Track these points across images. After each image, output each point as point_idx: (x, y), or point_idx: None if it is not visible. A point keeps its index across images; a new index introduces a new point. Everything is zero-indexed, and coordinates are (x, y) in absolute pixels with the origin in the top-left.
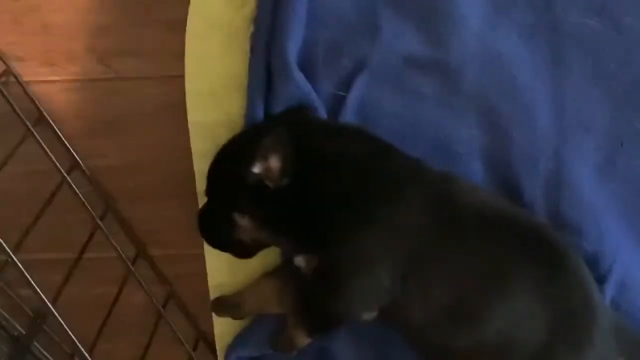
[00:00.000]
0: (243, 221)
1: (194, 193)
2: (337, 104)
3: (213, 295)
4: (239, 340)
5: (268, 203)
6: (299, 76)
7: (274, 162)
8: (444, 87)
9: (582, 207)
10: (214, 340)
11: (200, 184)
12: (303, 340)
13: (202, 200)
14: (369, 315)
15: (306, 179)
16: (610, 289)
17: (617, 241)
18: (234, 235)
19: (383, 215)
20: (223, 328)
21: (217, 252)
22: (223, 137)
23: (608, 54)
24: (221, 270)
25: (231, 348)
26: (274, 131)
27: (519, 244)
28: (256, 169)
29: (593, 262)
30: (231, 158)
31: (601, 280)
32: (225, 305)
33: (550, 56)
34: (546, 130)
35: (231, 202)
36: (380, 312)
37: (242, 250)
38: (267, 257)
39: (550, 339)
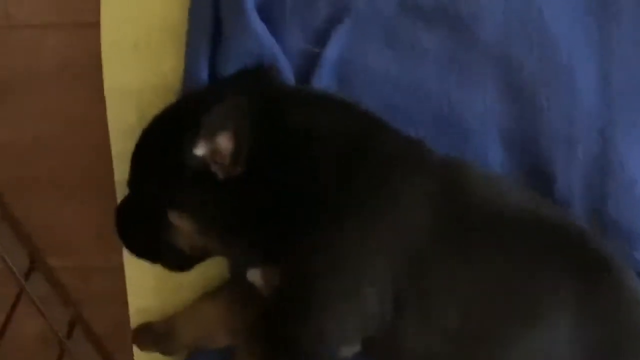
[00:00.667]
0: (180, 221)
1: (111, 184)
2: (308, 63)
3: (135, 322)
4: None
5: (215, 197)
6: (259, 25)
7: (224, 143)
8: (453, 40)
9: (633, 207)
10: None
11: (120, 171)
12: None
13: (121, 193)
14: (349, 350)
15: (267, 166)
16: None
17: None
18: (167, 239)
19: (371, 215)
20: None
21: (141, 263)
22: (152, 107)
23: None
24: (146, 288)
25: None
26: (224, 100)
27: (550, 252)
28: (199, 150)
29: None
30: (165, 136)
31: None
32: (152, 335)
33: (596, 3)
34: (589, 103)
35: (164, 196)
36: (365, 344)
37: (177, 261)
38: (210, 271)
39: None
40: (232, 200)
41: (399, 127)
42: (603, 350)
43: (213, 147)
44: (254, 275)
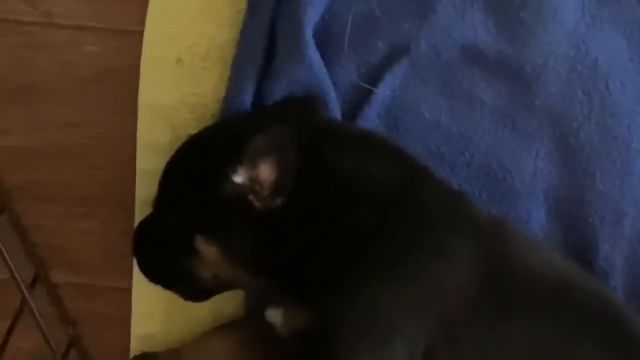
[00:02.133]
0: (207, 248)
1: (130, 202)
2: (358, 100)
3: (135, 349)
4: None
5: (247, 228)
6: (314, 55)
7: (266, 172)
8: (512, 97)
9: None
10: None
11: (143, 190)
12: None
13: (141, 213)
14: None
15: (306, 204)
16: None
17: None
18: (188, 266)
19: (412, 268)
20: None
21: (151, 288)
22: (187, 128)
23: None
24: (153, 315)
25: None
26: (271, 128)
27: (590, 332)
28: (239, 177)
29: None
30: (202, 158)
31: None
32: None
33: None
34: None
35: (193, 220)
36: None
37: (194, 290)
38: (222, 306)
39: None
40: (265, 234)
41: (444, 178)
42: None
43: (254, 175)
44: (275, 316)
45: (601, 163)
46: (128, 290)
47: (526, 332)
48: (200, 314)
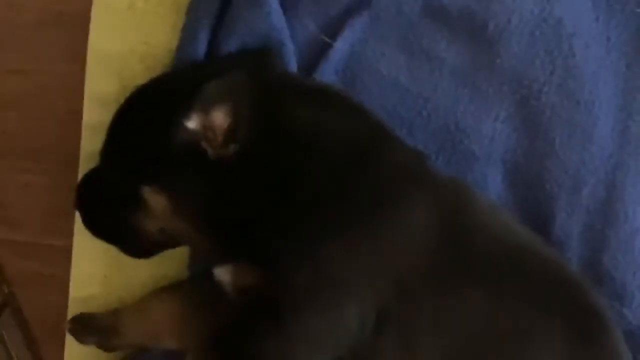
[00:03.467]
0: (154, 199)
1: (77, 155)
2: (315, 54)
3: (74, 310)
4: None
5: (198, 177)
6: (274, 3)
7: (220, 119)
8: (473, 56)
9: (632, 261)
10: None
11: (89, 143)
12: None
13: (86, 167)
14: None
15: (262, 155)
16: None
17: None
18: (135, 219)
19: (367, 227)
20: None
21: (91, 248)
22: (137, 78)
23: None
24: (94, 275)
25: None
26: (225, 75)
27: (547, 299)
28: (192, 123)
29: (634, 339)
30: (153, 105)
31: None
32: (93, 327)
33: (631, 37)
34: (603, 146)
35: (141, 170)
36: None
37: (140, 246)
38: (166, 268)
39: None
40: (216, 185)
41: (400, 138)
42: None
43: (207, 121)
44: (223, 274)
45: (562, 128)
46: (68, 250)
47: (483, 298)
48: (141, 275)
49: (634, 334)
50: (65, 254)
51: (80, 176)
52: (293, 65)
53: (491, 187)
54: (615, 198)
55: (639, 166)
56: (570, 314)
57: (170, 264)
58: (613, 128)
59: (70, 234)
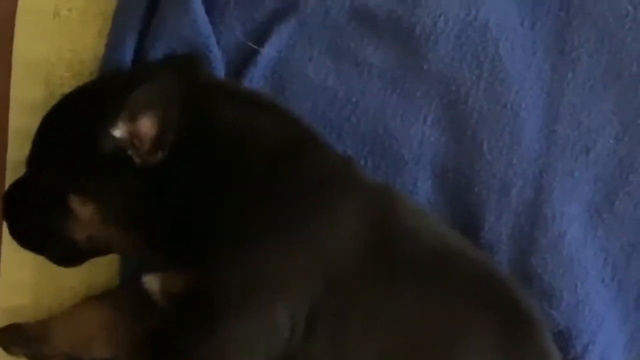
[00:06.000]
0: (81, 208)
1: (3, 162)
2: (243, 60)
3: (4, 321)
4: None
5: (125, 185)
6: (199, 9)
7: (147, 126)
8: (401, 60)
9: (561, 263)
10: None
11: (16, 151)
12: None
13: (15, 175)
14: None
15: (188, 161)
16: None
17: (597, 315)
18: (61, 228)
19: (294, 232)
20: None
21: (20, 257)
22: (64, 85)
23: (633, 52)
24: (23, 285)
25: None
26: (151, 81)
27: (477, 299)
28: (118, 131)
29: (563, 339)
30: (79, 112)
31: None
32: (22, 337)
33: (555, 39)
34: (530, 148)
35: (67, 178)
36: None
37: (67, 254)
38: (95, 276)
39: None
40: (144, 191)
41: (329, 142)
42: None
43: (134, 129)
44: (152, 282)
45: (489, 131)
46: None
47: (414, 300)
48: (71, 284)
49: (562, 334)
50: None
51: (7, 184)
52: (220, 71)
53: (421, 190)
54: (543, 200)
55: (566, 168)
56: (500, 314)
57: (100, 272)
58: (540, 130)
59: None
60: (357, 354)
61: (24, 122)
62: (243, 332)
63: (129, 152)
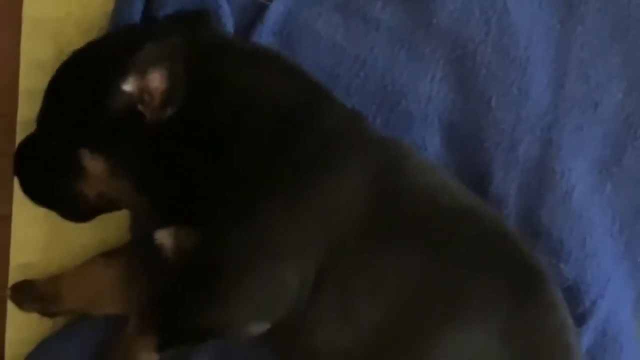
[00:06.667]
0: (92, 163)
1: (13, 122)
2: (251, 16)
3: (15, 278)
4: (43, 351)
5: (136, 140)
6: None
7: (156, 81)
8: (409, 16)
9: (569, 217)
10: (0, 347)
11: (26, 110)
12: (147, 357)
13: (25, 134)
14: (256, 328)
15: (199, 117)
16: (588, 335)
17: (606, 270)
18: (74, 184)
19: (304, 187)
20: (19, 332)
21: (31, 214)
22: (73, 43)
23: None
24: (35, 242)
25: None
26: (161, 37)
27: (484, 255)
28: (128, 86)
29: (571, 294)
30: (89, 69)
31: (579, 320)
32: (34, 294)
33: (563, 3)
34: (538, 103)
35: (78, 134)
36: (274, 327)
37: (78, 210)
38: (106, 233)
39: None
40: (154, 148)
41: (338, 99)
42: None
43: (144, 84)
44: (164, 237)
45: (497, 87)
46: (7, 217)
47: (419, 256)
48: (82, 241)
49: (571, 289)
50: (5, 222)
51: (17, 143)
52: (229, 28)
53: (429, 147)
54: (551, 155)
55: (574, 123)
56: (508, 271)
57: (110, 228)
58: (548, 86)
59: (9, 202)
60: (363, 313)
61: (33, 80)
62: (250, 291)
63: (139, 107)
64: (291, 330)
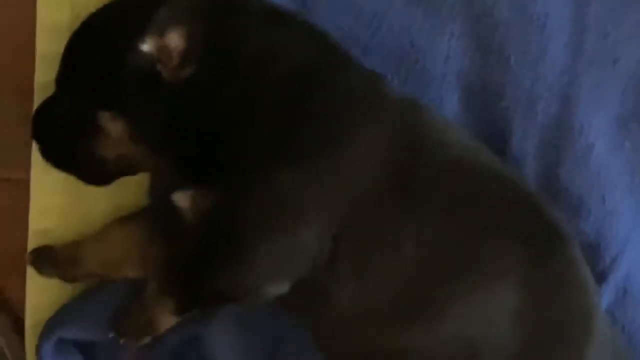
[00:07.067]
0: (111, 124)
1: (30, 86)
2: None
3: (34, 243)
4: (64, 316)
5: (155, 101)
6: None
7: (175, 41)
8: None
9: (588, 175)
10: (21, 313)
11: (43, 74)
12: (166, 319)
13: (42, 98)
14: (275, 289)
15: (216, 77)
16: (609, 292)
17: (625, 227)
18: (91, 146)
19: (321, 151)
20: (39, 297)
21: (49, 179)
22: (89, 6)
23: None
24: (52, 208)
25: (50, 327)
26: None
27: (503, 215)
28: (147, 46)
29: (591, 252)
30: (107, 30)
31: (599, 278)
32: (53, 259)
33: None
34: (557, 59)
35: (97, 95)
36: (293, 288)
37: (97, 172)
38: (124, 198)
39: (528, 353)
40: (173, 107)
41: (356, 59)
42: (547, 328)
43: (162, 43)
44: (182, 199)
45: (515, 44)
46: (26, 183)
47: (439, 217)
48: (101, 205)
49: (591, 246)
50: (23, 187)
51: (35, 107)
52: None
53: (447, 107)
54: (570, 112)
55: (593, 80)
56: (529, 231)
57: (129, 192)
58: (567, 43)
59: (27, 167)
60: (381, 275)
61: (50, 44)
62: (269, 252)
63: (158, 67)
64: (311, 294)
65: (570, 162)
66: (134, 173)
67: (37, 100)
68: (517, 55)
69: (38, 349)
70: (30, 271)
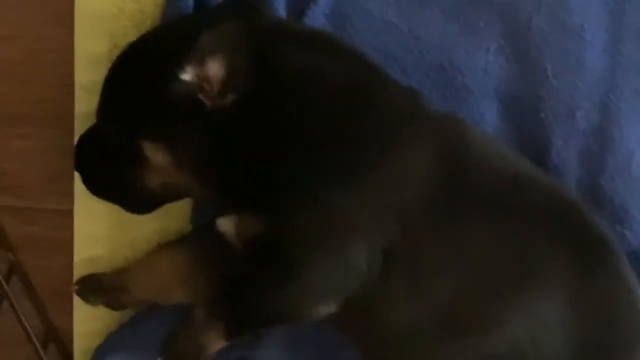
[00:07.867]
0: (154, 154)
1: (71, 118)
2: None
3: (79, 272)
4: (112, 343)
5: (197, 129)
6: None
7: (215, 69)
8: None
9: (630, 183)
10: (69, 342)
11: (83, 104)
12: (215, 344)
13: (81, 128)
14: (324, 310)
15: (258, 103)
16: None
17: None
18: (136, 176)
19: (366, 170)
20: (88, 324)
21: (93, 209)
22: (127, 35)
23: None
24: (97, 236)
25: (99, 354)
26: (217, 25)
27: (550, 226)
28: (187, 75)
29: (636, 259)
30: (147, 59)
31: None
32: (100, 287)
33: None
34: (595, 69)
35: (140, 125)
36: (343, 309)
37: (142, 201)
38: (168, 225)
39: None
40: (216, 136)
41: (394, 78)
42: (597, 334)
43: (203, 72)
44: (226, 224)
45: (553, 56)
46: (69, 213)
47: (486, 229)
48: (145, 232)
49: (636, 254)
50: (67, 217)
51: (76, 138)
52: (282, 12)
53: (487, 120)
54: (610, 121)
55: (631, 88)
56: (575, 240)
57: (173, 218)
58: (604, 51)
59: (71, 197)
60: (432, 291)
61: (89, 75)
62: (319, 273)
63: (199, 96)
64: (361, 312)
65: (612, 171)
66: (177, 199)
67: (78, 131)
68: (555, 67)
69: None
70: (77, 301)
